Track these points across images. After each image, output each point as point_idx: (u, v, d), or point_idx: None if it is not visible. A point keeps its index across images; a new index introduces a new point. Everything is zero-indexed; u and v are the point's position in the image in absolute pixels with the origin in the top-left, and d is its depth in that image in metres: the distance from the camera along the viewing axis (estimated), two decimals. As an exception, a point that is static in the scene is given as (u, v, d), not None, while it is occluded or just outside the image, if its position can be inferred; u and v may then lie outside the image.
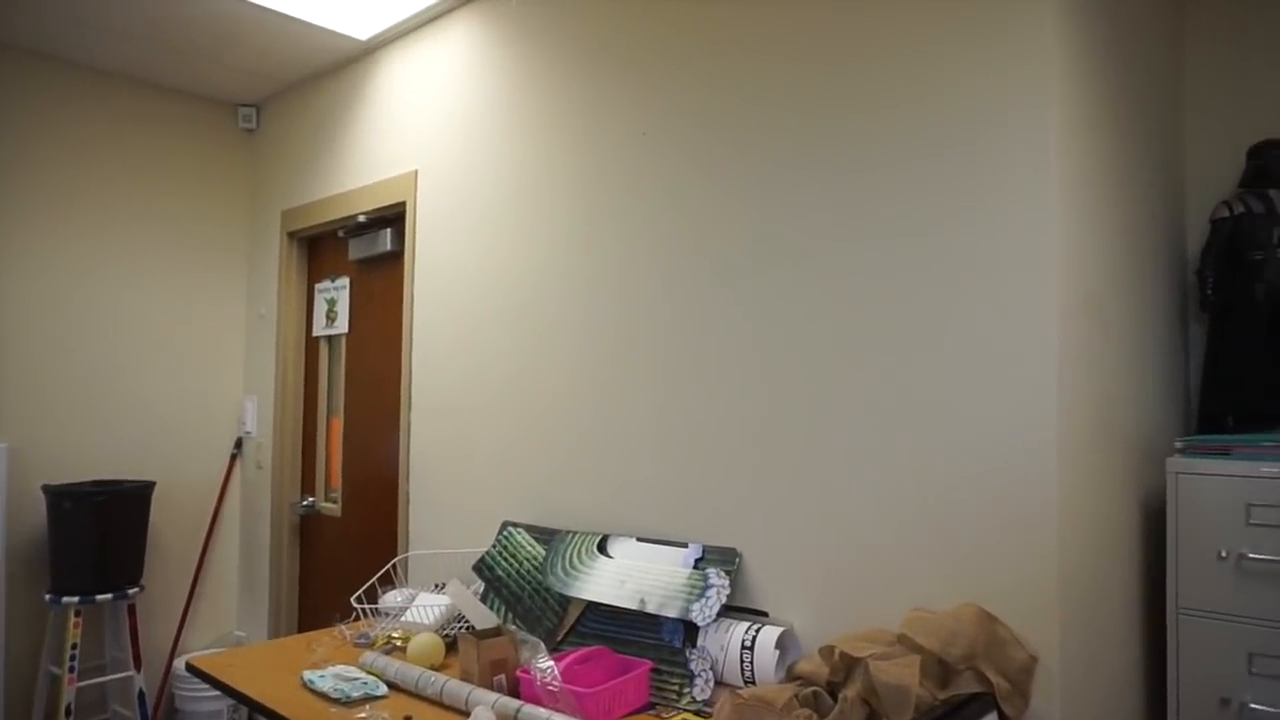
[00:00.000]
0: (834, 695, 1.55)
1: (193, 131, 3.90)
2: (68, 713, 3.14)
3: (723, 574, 1.92)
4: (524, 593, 2.28)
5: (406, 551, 3.00)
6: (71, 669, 3.16)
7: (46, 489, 3.19)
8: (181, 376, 3.85)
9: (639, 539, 2.17)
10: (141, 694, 3.39)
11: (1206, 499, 1.77)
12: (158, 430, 3.77)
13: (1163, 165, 2.20)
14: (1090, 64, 1.77)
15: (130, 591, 3.30)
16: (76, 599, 3.17)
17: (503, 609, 2.30)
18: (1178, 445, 1.88)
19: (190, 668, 2.09)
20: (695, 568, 1.98)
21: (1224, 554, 1.74)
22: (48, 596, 3.18)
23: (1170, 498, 1.82)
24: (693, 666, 1.85)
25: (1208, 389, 2.15)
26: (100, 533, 3.21)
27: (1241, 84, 2.25)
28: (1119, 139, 1.91)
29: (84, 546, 3.19)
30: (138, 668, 3.39)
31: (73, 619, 3.17)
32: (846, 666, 1.54)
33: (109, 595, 3.23)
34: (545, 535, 2.38)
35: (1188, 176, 2.33)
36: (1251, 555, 1.71)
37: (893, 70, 1.81)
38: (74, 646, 3.17)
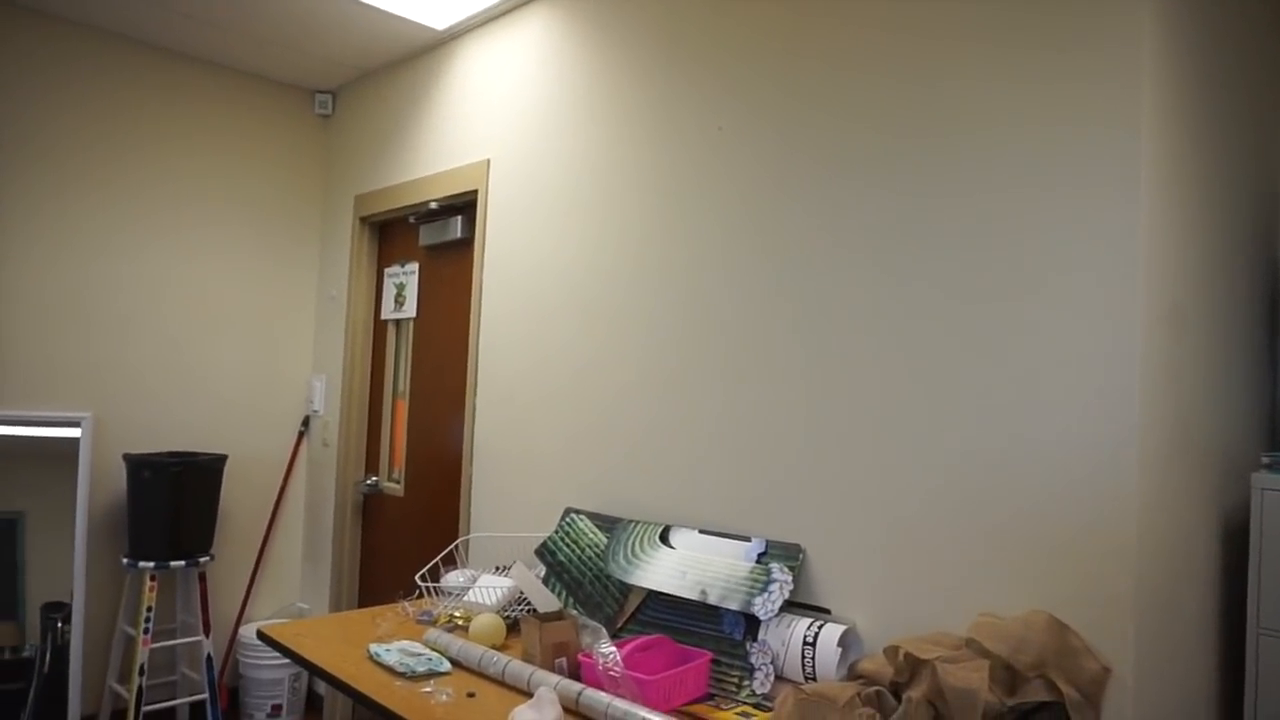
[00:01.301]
0: (898, 696, 1.54)
1: (271, 116, 4.00)
2: (140, 671, 3.27)
3: (786, 569, 1.92)
4: (585, 579, 2.31)
5: (468, 534, 3.06)
6: (146, 630, 3.29)
7: (128, 458, 3.32)
8: (254, 354, 3.97)
9: (701, 531, 2.17)
10: (209, 658, 3.52)
11: (1293, 516, 1.72)
12: (230, 405, 3.89)
13: (1255, 175, 2.12)
14: (1183, 71, 1.72)
15: (201, 560, 3.42)
16: (152, 564, 3.29)
17: (564, 594, 2.33)
18: (1264, 460, 1.83)
19: (262, 635, 2.16)
20: (758, 562, 1.98)
21: (1310, 574, 1.69)
22: (125, 560, 3.31)
23: (1254, 514, 1.77)
24: (753, 660, 1.85)
25: (1296, 403, 2.07)
26: (176, 502, 3.33)
27: (1345, 87, 2.16)
28: (1210, 147, 1.86)
29: (160, 514, 3.31)
30: (206, 633, 3.51)
31: (148, 583, 3.30)
32: (911, 667, 1.53)
33: (182, 562, 3.35)
34: (607, 523, 2.40)
35: (1282, 182, 2.25)
36: (1340, 576, 1.65)
37: (973, 92, 1.78)
38: (149, 609, 3.30)
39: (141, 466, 3.30)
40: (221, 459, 3.52)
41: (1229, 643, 1.93)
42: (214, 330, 3.84)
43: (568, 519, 2.51)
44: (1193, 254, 1.75)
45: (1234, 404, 1.99)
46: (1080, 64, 1.63)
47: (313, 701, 3.92)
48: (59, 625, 3.27)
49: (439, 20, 3.22)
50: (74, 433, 3.34)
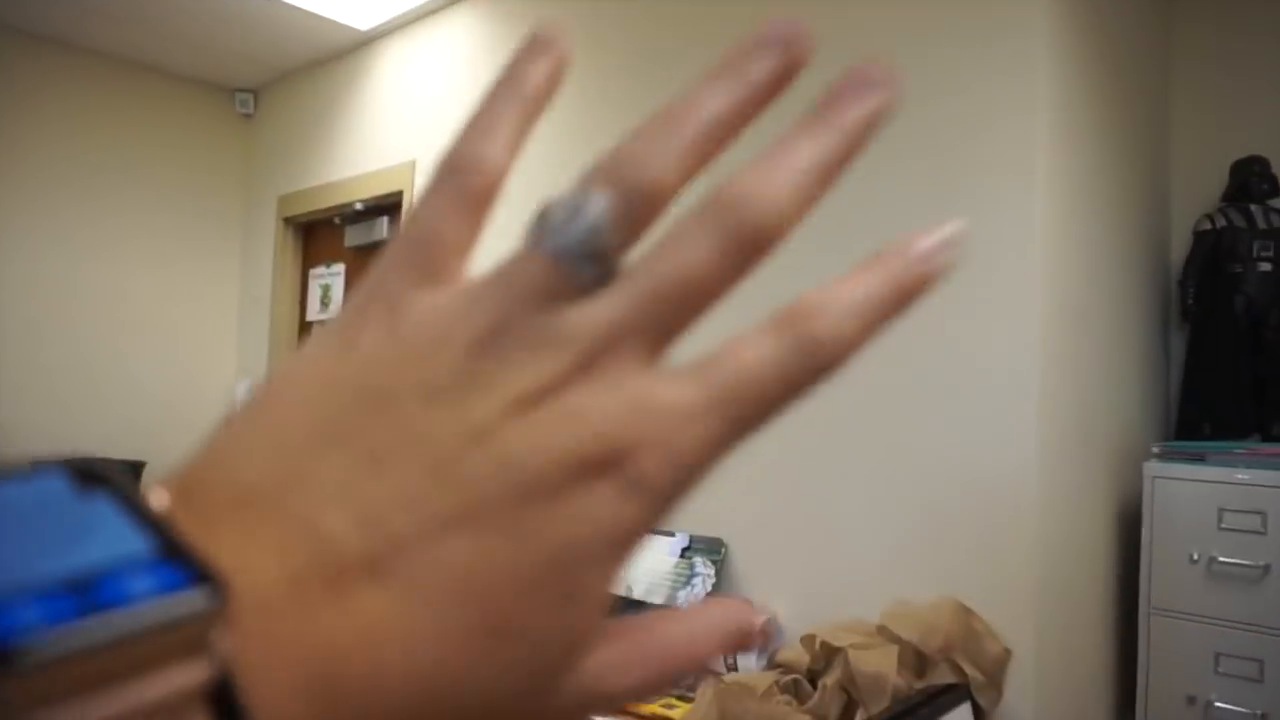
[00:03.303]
0: (814, 683, 1.59)
1: (190, 116, 3.91)
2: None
3: (709, 563, 1.96)
4: (512, 579, 2.31)
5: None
6: (58, 645, 3.17)
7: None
8: (173, 357, 3.86)
9: (627, 529, 2.20)
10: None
11: (1181, 503, 1.83)
12: (149, 411, 3.78)
13: (1148, 177, 2.25)
14: (1078, 76, 1.81)
15: (118, 570, 3.31)
16: (64, 576, 3.18)
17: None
18: (1155, 450, 1.94)
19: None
20: (682, 556, 2.02)
21: (1195, 557, 1.79)
22: (35, 573, 3.19)
23: (1146, 501, 1.87)
24: (677, 654, 1.89)
25: (1186, 396, 2.20)
26: (90, 511, 3.22)
27: (1226, 100, 2.30)
28: (1105, 150, 1.96)
29: (73, 524, 3.20)
30: (123, 646, 3.40)
31: (60, 596, 3.18)
32: (827, 655, 1.59)
33: (97, 573, 3.24)
34: (534, 523, 2.41)
35: (1173, 188, 2.38)
36: (1222, 559, 1.76)
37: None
38: (61, 623, 3.18)
39: (53, 475, 3.18)
40: (139, 466, 3.42)
41: (1123, 622, 2.04)
42: (130, 333, 3.73)
43: (496, 520, 2.51)
44: (1089, 255, 1.85)
45: (1129, 397, 2.10)
46: (980, 64, 1.71)
47: None
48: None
49: (361, 21, 3.19)
50: (-21, 441, 3.21)
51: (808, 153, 0.20)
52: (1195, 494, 1.81)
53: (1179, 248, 2.35)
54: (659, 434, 0.19)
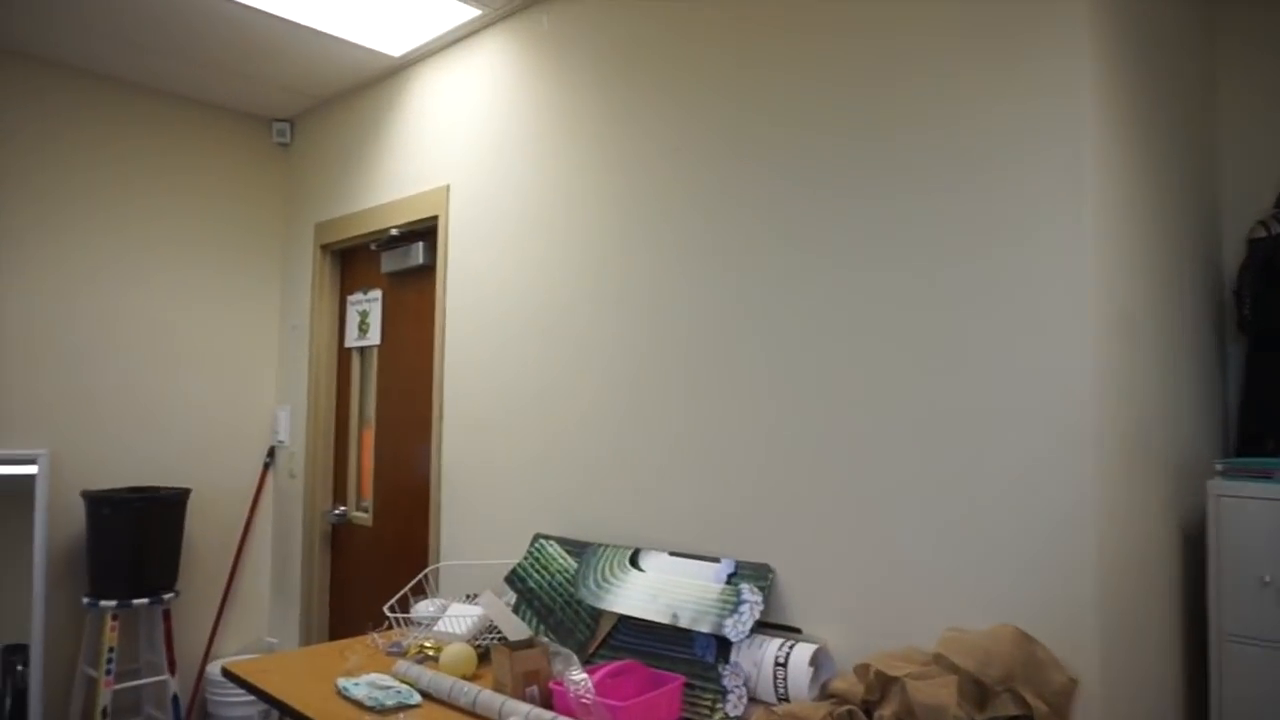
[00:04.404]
0: (869, 714, 1.54)
1: (228, 146, 3.97)
2: (104, 714, 3.19)
3: (756, 590, 1.92)
4: (556, 605, 2.29)
5: (438, 562, 3.03)
6: (108, 672, 3.21)
7: (86, 495, 3.25)
8: (216, 386, 3.91)
9: (671, 553, 2.17)
10: (175, 698, 3.44)
11: (1248, 523, 1.76)
12: (193, 439, 3.83)
13: (1198, 183, 2.18)
14: (1125, 83, 1.76)
15: (165, 597, 3.35)
16: (114, 603, 3.22)
17: (535, 621, 2.31)
18: (1218, 468, 1.87)
19: (226, 672, 2.12)
20: (728, 583, 1.99)
21: (1268, 579, 1.72)
22: (85, 600, 3.23)
23: (1211, 521, 1.80)
24: (726, 682, 1.85)
25: (1247, 410, 2.12)
26: (137, 538, 3.26)
27: (1277, 102, 2.23)
28: (1154, 157, 1.90)
29: (121, 551, 3.24)
30: (172, 671, 3.43)
31: (110, 623, 3.22)
32: (882, 685, 1.54)
33: (145, 600, 3.28)
34: (577, 548, 2.39)
35: (1223, 195, 2.31)
36: (1294, 579, 1.69)
37: (924, 95, 1.81)
38: (111, 649, 3.22)
39: (101, 503, 3.23)
40: (184, 493, 3.46)
41: (1193, 650, 1.97)
42: (174, 362, 3.78)
43: (537, 544, 2.50)
44: (1140, 263, 1.79)
45: (1187, 411, 2.03)
46: (1024, 73, 1.67)
47: (283, 738, 3.85)
48: (19, 668, 3.18)
49: (394, 48, 3.22)
50: (30, 470, 3.27)
51: None
52: (1263, 513, 1.74)
53: (1232, 257, 2.28)
54: None
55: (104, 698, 3.20)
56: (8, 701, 3.14)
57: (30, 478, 3.27)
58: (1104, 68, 1.65)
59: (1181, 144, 2.06)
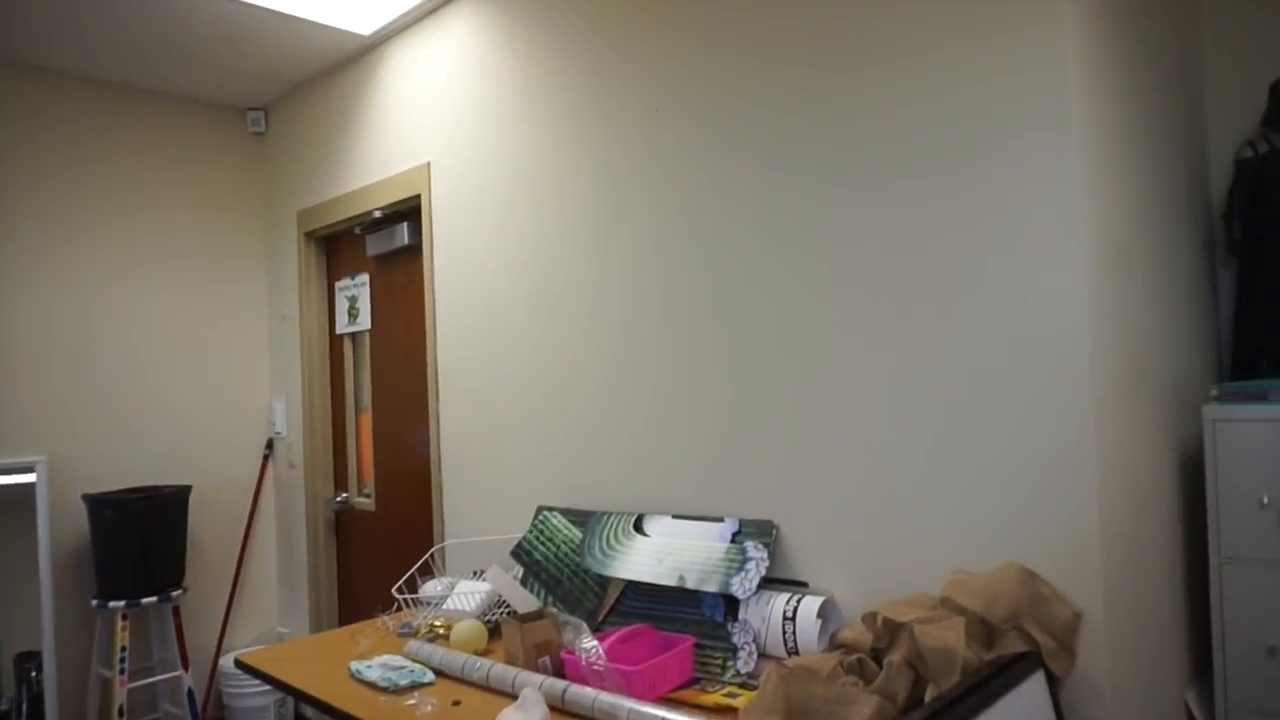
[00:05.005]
0: (879, 661, 1.55)
1: (203, 138, 3.92)
2: (120, 713, 3.21)
3: (760, 546, 1.92)
4: (563, 575, 2.30)
5: (443, 541, 3.03)
6: (122, 671, 3.22)
7: (87, 498, 3.25)
8: (209, 381, 3.89)
9: (675, 516, 2.17)
10: (190, 693, 3.46)
11: (1245, 445, 1.76)
12: (190, 435, 3.82)
13: (1183, 105, 2.16)
14: (1106, 7, 1.73)
15: (174, 594, 3.35)
16: (123, 603, 3.23)
17: (543, 592, 2.32)
18: (1213, 392, 1.87)
19: (240, 664, 2.13)
20: (733, 541, 1.99)
21: (1265, 500, 1.73)
22: (94, 602, 3.24)
23: (1208, 445, 1.81)
24: (735, 640, 1.86)
25: (1240, 333, 2.12)
26: (141, 538, 3.26)
27: (1261, 17, 2.20)
28: (1137, 82, 1.88)
29: (126, 552, 3.24)
30: (185, 667, 3.45)
31: (120, 622, 3.23)
32: (890, 632, 1.55)
33: (153, 598, 3.29)
34: (581, 517, 2.39)
35: (1209, 115, 2.29)
36: (1294, 500, 1.69)
37: (905, 29, 1.78)
38: (123, 649, 3.23)
39: (102, 506, 3.22)
40: (186, 490, 3.45)
41: (1194, 574, 1.98)
42: (165, 361, 3.76)
43: (541, 517, 2.50)
44: (1131, 195, 1.78)
45: (1182, 338, 2.03)
46: (1002, 15, 1.64)
47: (303, 725, 3.89)
48: (33, 674, 3.19)
49: (363, 26, 3.16)
50: (29, 478, 3.26)
51: None
52: (1260, 434, 1.75)
53: (1219, 179, 2.26)
54: None
55: (119, 697, 3.22)
56: (24, 708, 3.16)
57: (30, 485, 3.26)
58: (1080, -3, 1.62)
59: (1164, 66, 2.04)
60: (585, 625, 1.93)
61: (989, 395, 1.67)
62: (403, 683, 1.87)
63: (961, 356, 1.71)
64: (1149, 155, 1.91)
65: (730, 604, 1.91)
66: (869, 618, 1.59)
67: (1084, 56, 1.61)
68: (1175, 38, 2.14)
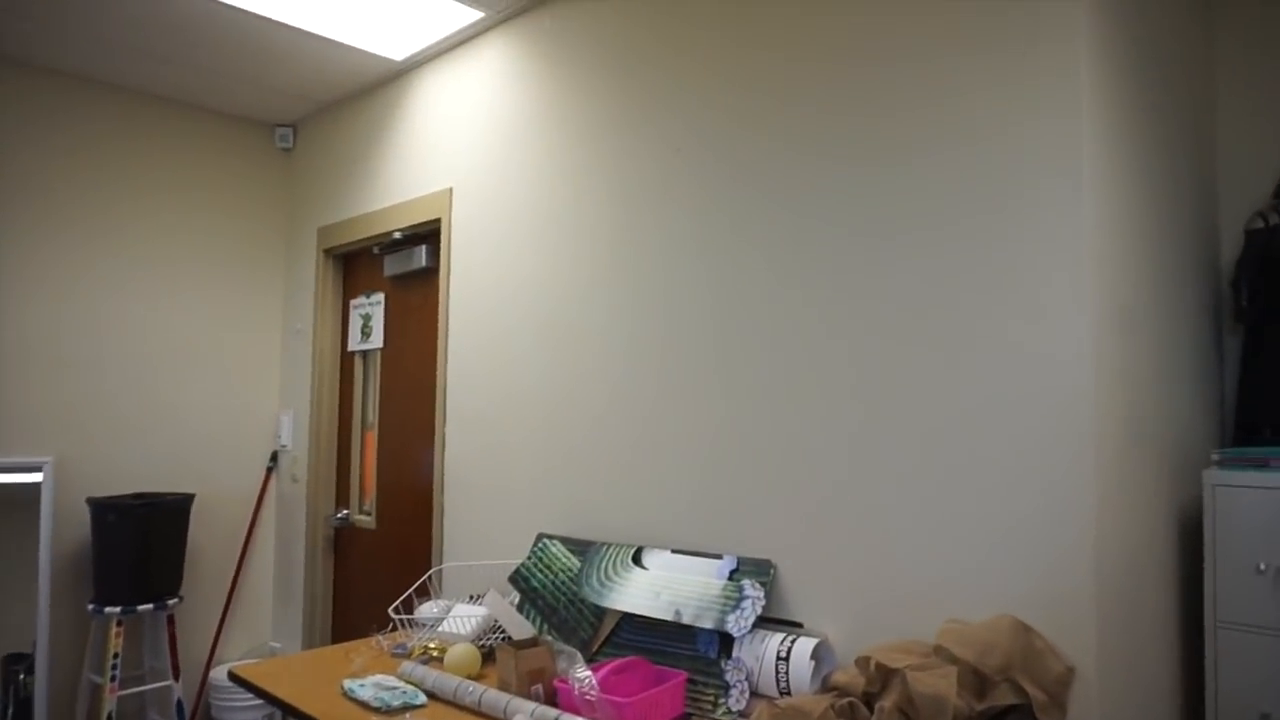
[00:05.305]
0: (870, 706, 1.56)
1: (231, 151, 3.99)
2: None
3: (758, 585, 1.93)
4: (559, 604, 2.31)
5: (440, 563, 3.04)
6: (113, 678, 3.22)
7: (91, 501, 3.27)
8: (219, 391, 3.93)
9: (674, 550, 2.19)
10: (180, 703, 3.45)
11: (1245, 511, 1.77)
12: (196, 444, 3.84)
13: (1196, 175, 2.20)
14: (1122, 72, 1.78)
15: (170, 602, 3.36)
16: (118, 609, 3.23)
17: (539, 620, 2.32)
18: (1215, 457, 1.88)
19: (233, 676, 2.14)
20: (730, 579, 2.00)
21: (1263, 567, 1.73)
22: (90, 606, 3.25)
23: (1208, 510, 1.82)
24: (728, 677, 1.86)
25: (1244, 400, 2.14)
26: (142, 544, 3.27)
27: (1274, 95, 2.25)
28: (1152, 148, 1.92)
29: (126, 557, 3.25)
30: (176, 677, 3.45)
31: (114, 629, 3.23)
32: (883, 677, 1.55)
33: (149, 605, 3.29)
34: (580, 547, 2.41)
35: (1221, 184, 2.32)
36: (1291, 568, 1.70)
37: (925, 81, 1.83)
38: (115, 656, 3.23)
39: (106, 510, 3.24)
40: (189, 498, 3.47)
41: (1189, 636, 1.98)
42: (177, 368, 3.80)
43: (540, 544, 2.51)
44: (1138, 257, 1.81)
45: (1184, 402, 2.04)
46: (1019, 71, 1.69)
47: (288, 742, 3.86)
48: (21, 677, 3.19)
49: (396, 52, 3.24)
50: (35, 478, 3.28)
51: None
52: (1260, 502, 1.76)
53: (1230, 248, 2.29)
54: None
55: (109, 704, 3.21)
56: (10, 711, 3.15)
57: (35, 485, 3.28)
58: (1102, 55, 1.66)
59: (1179, 133, 2.08)
60: (579, 655, 1.93)
61: (989, 448, 1.69)
62: (395, 703, 1.88)
63: (964, 409, 1.73)
64: (1159, 220, 1.94)
65: (725, 641, 1.92)
66: (862, 662, 1.60)
67: (1099, 122, 1.65)
68: (1191, 107, 2.18)
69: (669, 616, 1.99)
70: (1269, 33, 2.26)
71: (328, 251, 3.83)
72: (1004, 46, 1.71)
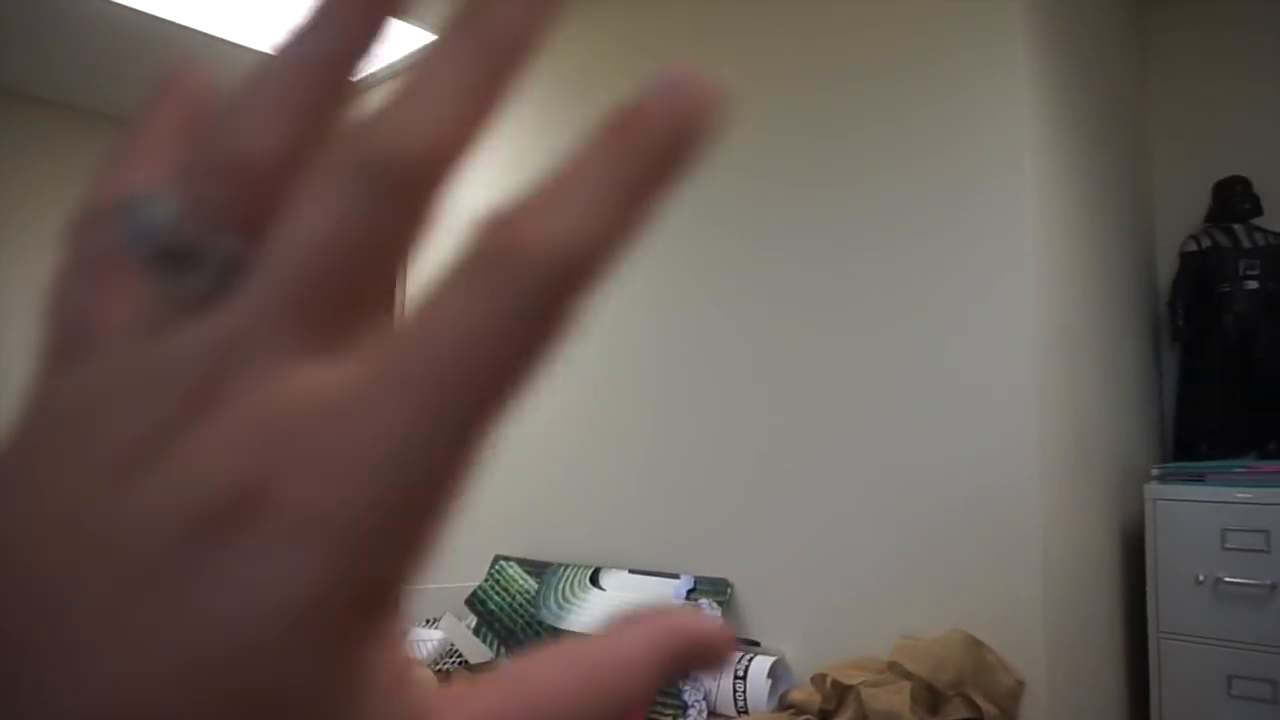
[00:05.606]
0: (827, 723, 1.57)
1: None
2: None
3: (715, 604, 1.94)
4: (517, 626, 2.29)
5: (396, 587, 3.00)
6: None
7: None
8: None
9: (631, 570, 2.19)
10: None
11: (1183, 524, 1.83)
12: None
13: (1133, 198, 2.28)
14: (1060, 105, 1.84)
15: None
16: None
17: (496, 643, 2.31)
18: (1154, 472, 1.94)
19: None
20: (687, 598, 2.01)
21: (1202, 578, 1.79)
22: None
23: (1149, 523, 1.87)
24: (686, 697, 1.87)
25: (1182, 416, 2.21)
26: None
27: (1206, 122, 2.34)
28: (1091, 174, 1.99)
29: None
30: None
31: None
32: (838, 694, 1.57)
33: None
34: (537, 568, 2.40)
35: (1158, 210, 2.41)
36: (1228, 579, 1.76)
37: (865, 104, 1.88)
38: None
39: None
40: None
41: (1133, 647, 2.03)
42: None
43: (497, 566, 2.49)
44: (1080, 277, 1.87)
45: (1126, 418, 2.11)
46: (962, 91, 1.74)
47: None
48: None
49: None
50: None
51: (454, 73, 0.15)
52: (1197, 515, 1.81)
53: (1166, 270, 2.38)
54: (310, 446, 0.13)
55: None
56: None
57: None
58: (1040, 84, 1.72)
59: (1115, 161, 2.16)
60: (537, 678, 1.92)
61: (939, 467, 1.72)
62: (349, 730, 1.84)
63: (915, 429, 1.76)
64: (1100, 243, 2.01)
65: (683, 661, 1.92)
66: (818, 679, 1.61)
67: (1040, 139, 1.71)
68: (1128, 135, 2.27)
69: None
70: (1200, 55, 2.36)
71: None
72: (944, 73, 1.76)
